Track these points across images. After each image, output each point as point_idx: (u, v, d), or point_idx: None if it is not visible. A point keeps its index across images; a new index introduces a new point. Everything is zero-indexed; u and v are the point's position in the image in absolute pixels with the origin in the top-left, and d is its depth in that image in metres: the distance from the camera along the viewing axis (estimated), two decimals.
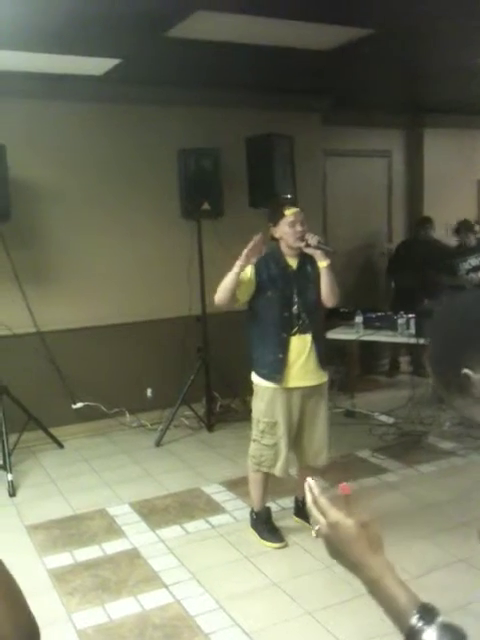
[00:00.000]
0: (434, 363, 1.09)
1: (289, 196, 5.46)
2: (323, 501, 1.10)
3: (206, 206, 5.29)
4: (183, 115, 5.58)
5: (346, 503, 1.09)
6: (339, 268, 3.51)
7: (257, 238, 3.32)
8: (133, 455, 5.06)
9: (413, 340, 5.18)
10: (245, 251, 3.29)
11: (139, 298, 5.62)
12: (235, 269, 3.30)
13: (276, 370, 3.43)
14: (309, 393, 3.51)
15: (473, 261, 6.47)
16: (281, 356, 3.41)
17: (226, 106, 5.64)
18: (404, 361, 7.02)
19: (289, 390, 3.46)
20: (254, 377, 3.55)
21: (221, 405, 5.80)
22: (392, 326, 5.30)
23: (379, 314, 5.47)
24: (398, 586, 1.01)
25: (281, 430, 3.45)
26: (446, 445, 4.97)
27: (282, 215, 3.40)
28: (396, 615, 0.99)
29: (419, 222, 6.98)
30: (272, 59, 4.66)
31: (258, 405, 3.52)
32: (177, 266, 5.64)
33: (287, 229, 3.38)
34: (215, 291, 5.31)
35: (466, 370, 1.00)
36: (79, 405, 5.46)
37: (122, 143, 5.47)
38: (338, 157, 6.81)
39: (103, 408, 5.52)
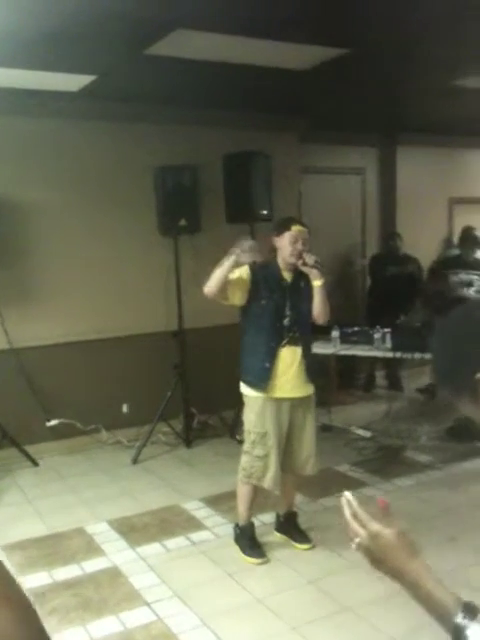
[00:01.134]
0: (444, 369, 1.11)
1: (265, 212, 5.53)
2: (363, 514, 1.14)
3: (183, 222, 5.31)
4: (160, 132, 5.59)
5: (383, 515, 1.14)
6: None
7: (252, 243, 3.41)
8: (110, 473, 5.00)
9: (389, 354, 5.24)
10: (236, 250, 3.35)
11: (116, 314, 5.59)
12: (226, 262, 3.34)
13: (261, 378, 3.47)
14: (297, 404, 3.56)
15: (463, 276, 6.61)
16: (268, 365, 3.46)
17: (204, 124, 5.68)
18: (379, 375, 7.09)
19: (278, 401, 3.49)
20: (242, 387, 3.58)
21: (199, 421, 5.78)
22: (368, 340, 5.35)
23: (355, 329, 5.52)
24: (439, 587, 1.07)
25: (271, 440, 3.48)
26: (423, 458, 5.01)
27: (287, 229, 3.49)
28: (440, 614, 1.05)
29: (386, 235, 7.18)
30: (250, 78, 4.69)
31: (249, 416, 3.56)
32: (154, 282, 5.63)
33: (286, 243, 3.47)
34: (192, 307, 5.39)
35: (479, 374, 1.02)
36: (54, 422, 5.39)
37: (99, 159, 5.45)
38: (314, 174, 6.88)
39: (79, 425, 5.46)
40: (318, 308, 3.53)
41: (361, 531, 1.13)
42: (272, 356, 3.46)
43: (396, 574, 1.11)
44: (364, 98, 5.64)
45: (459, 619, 1.02)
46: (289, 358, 3.49)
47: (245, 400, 3.58)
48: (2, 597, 0.77)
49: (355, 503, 1.16)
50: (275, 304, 3.48)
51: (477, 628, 1.00)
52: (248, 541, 3.65)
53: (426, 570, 1.09)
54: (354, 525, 1.14)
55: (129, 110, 5.39)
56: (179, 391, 5.51)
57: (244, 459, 3.58)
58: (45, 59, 4.16)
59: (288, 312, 3.49)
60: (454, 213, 8.01)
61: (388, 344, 5.23)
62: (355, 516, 1.14)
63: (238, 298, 3.47)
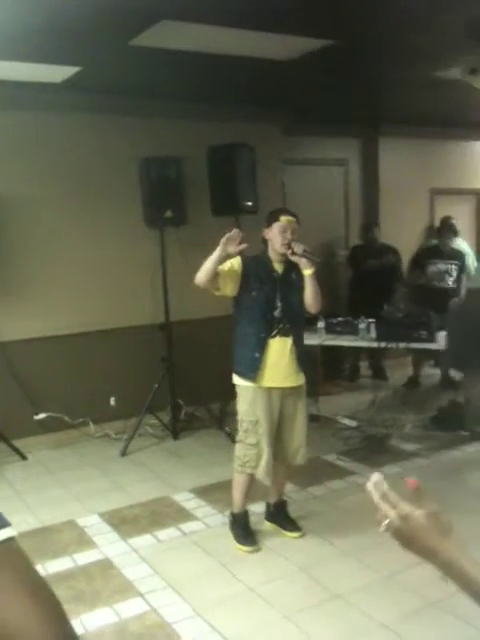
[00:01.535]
0: (458, 355, 1.14)
1: (249, 203, 5.55)
2: (393, 495, 1.13)
3: (169, 214, 5.31)
4: (144, 124, 5.57)
5: (415, 496, 1.13)
6: None
7: (235, 231, 3.41)
8: (99, 465, 5.01)
9: (374, 344, 5.29)
10: (222, 240, 3.36)
11: (102, 306, 5.59)
12: (214, 254, 3.36)
13: (251, 368, 3.51)
14: (288, 393, 3.60)
15: (441, 266, 6.68)
16: (257, 355, 3.50)
17: (188, 116, 5.68)
18: (364, 365, 7.15)
19: (268, 390, 3.54)
20: (234, 378, 3.62)
21: (186, 413, 5.79)
22: (353, 331, 5.40)
23: (340, 319, 5.56)
24: (474, 566, 1.08)
25: (263, 428, 3.52)
26: (409, 447, 5.08)
27: (276, 219, 3.53)
28: (475, 591, 1.06)
29: (365, 226, 7.23)
30: (234, 69, 4.69)
31: (241, 406, 3.60)
32: (140, 274, 5.64)
33: (276, 234, 3.50)
34: (178, 299, 5.41)
35: None
36: (41, 416, 5.38)
37: (82, 152, 5.42)
38: (297, 166, 6.89)
39: (67, 419, 5.46)
40: (310, 297, 3.55)
41: (391, 512, 1.11)
42: (262, 347, 3.51)
43: (428, 554, 1.12)
44: (347, 89, 5.66)
45: None
46: (280, 349, 3.53)
47: (237, 390, 3.62)
48: (28, 593, 0.77)
49: (385, 485, 1.14)
50: (265, 296, 3.51)
51: None
52: (241, 530, 3.69)
53: (460, 549, 1.10)
54: (384, 507, 1.12)
55: (113, 102, 5.37)
56: (166, 383, 5.52)
57: (238, 448, 3.63)
58: (28, 50, 4.13)
59: (278, 303, 3.53)
60: (435, 204, 8.07)
61: (373, 334, 5.28)
62: (385, 497, 1.13)
63: (230, 289, 3.50)
